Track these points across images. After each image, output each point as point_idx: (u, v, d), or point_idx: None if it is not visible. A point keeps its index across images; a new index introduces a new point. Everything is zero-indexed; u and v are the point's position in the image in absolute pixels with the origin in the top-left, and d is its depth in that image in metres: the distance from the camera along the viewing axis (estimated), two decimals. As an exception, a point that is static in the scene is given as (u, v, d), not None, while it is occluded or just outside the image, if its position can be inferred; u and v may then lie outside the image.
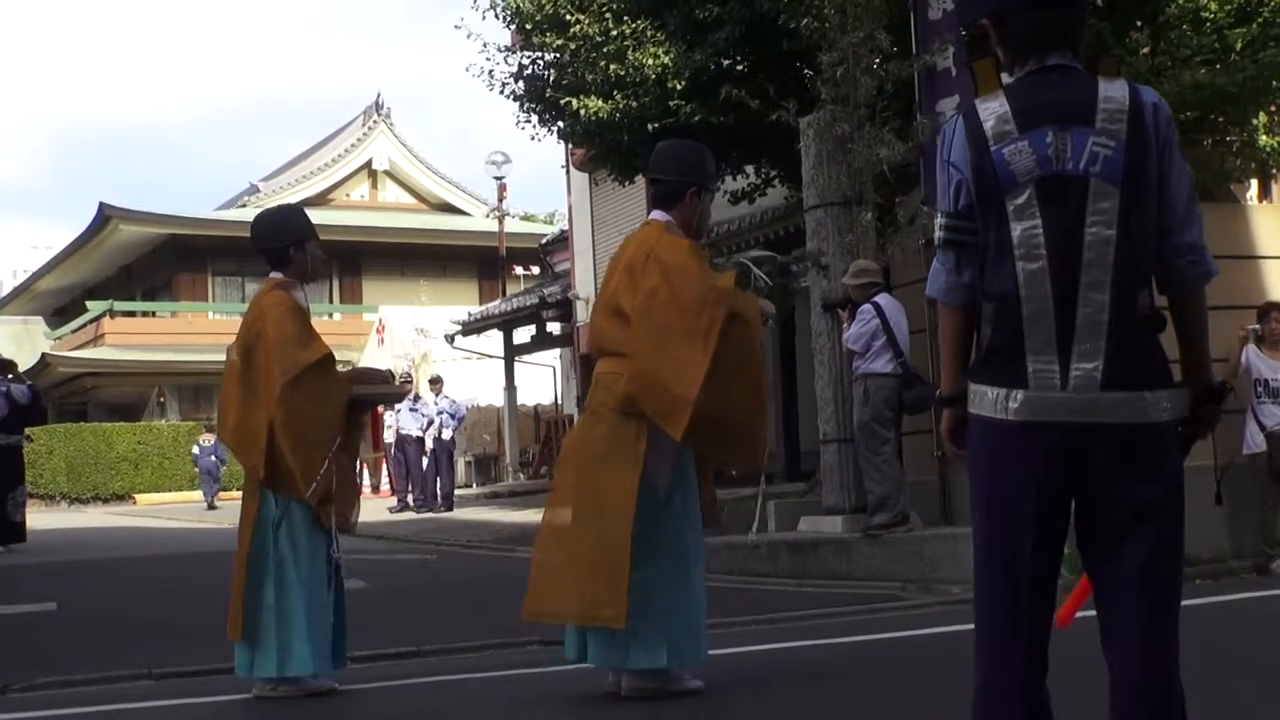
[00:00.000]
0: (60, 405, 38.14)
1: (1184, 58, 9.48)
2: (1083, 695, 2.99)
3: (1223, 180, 9.95)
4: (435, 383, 20.13)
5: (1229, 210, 9.77)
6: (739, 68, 11.78)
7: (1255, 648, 5.89)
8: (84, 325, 39.44)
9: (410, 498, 19.61)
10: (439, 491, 19.52)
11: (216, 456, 27.04)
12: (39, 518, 20.53)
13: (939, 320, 2.85)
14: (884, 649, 6.12)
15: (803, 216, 10.17)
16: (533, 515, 14.21)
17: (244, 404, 5.40)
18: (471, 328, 25.39)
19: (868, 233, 9.37)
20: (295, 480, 5.25)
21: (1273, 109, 10.03)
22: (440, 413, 19.51)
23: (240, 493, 5.87)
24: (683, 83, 11.60)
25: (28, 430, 16.04)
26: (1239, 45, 9.47)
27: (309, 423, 5.28)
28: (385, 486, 23.03)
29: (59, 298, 45.59)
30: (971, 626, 2.72)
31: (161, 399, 37.28)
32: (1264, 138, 9.95)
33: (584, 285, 21.98)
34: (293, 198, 36.40)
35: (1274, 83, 9.36)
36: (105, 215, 37.12)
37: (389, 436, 20.05)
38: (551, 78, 13.37)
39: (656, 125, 11.62)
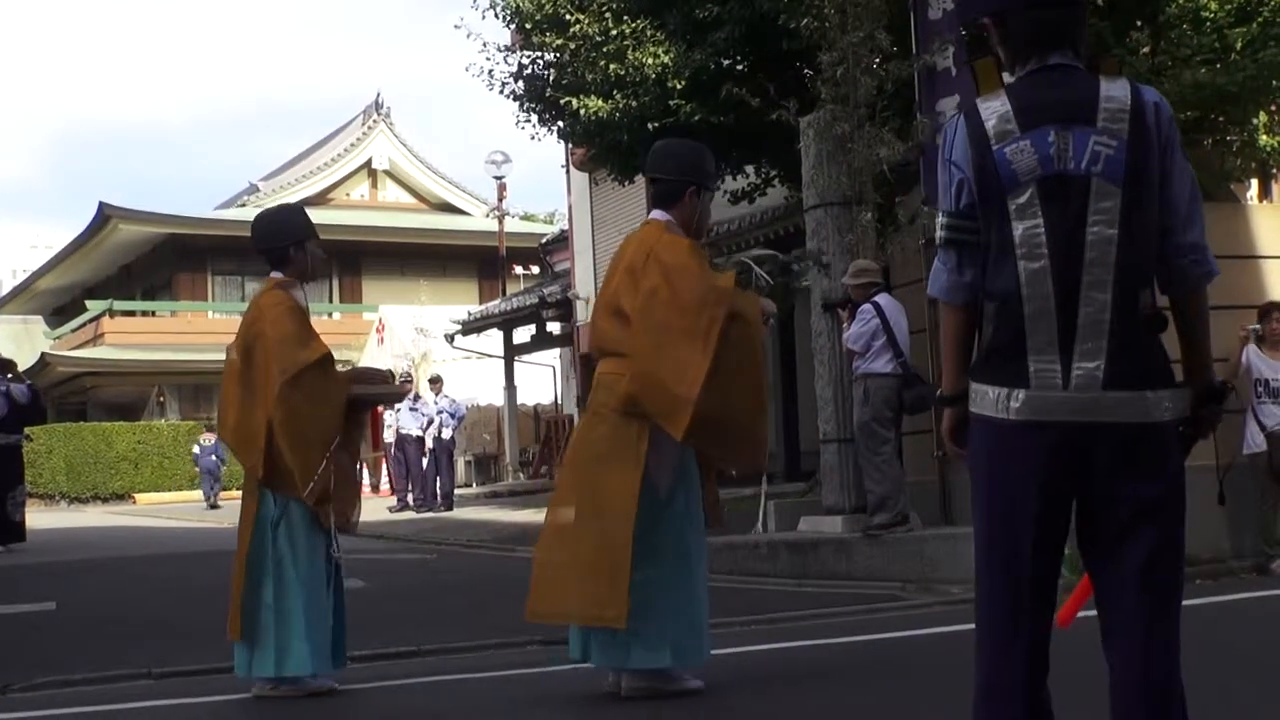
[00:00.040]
0: (60, 405, 38.14)
1: (1184, 57, 9.47)
2: (1083, 695, 2.99)
3: (1223, 180, 9.94)
4: (435, 382, 20.12)
5: (1229, 210, 9.76)
6: (739, 67, 11.77)
7: (1255, 648, 5.88)
8: (83, 325, 39.46)
9: (410, 497, 19.61)
10: (439, 491, 19.52)
11: (217, 456, 27.07)
12: (38, 517, 20.53)
13: (940, 320, 2.85)
14: (884, 649, 6.11)
15: (803, 216, 10.17)
16: (533, 515, 14.23)
17: (243, 403, 5.41)
18: (471, 327, 25.39)
19: (868, 232, 9.37)
20: (294, 479, 5.26)
21: (1273, 108, 10.02)
22: (440, 412, 19.51)
23: (241, 492, 5.87)
24: (683, 82, 11.59)
25: (27, 430, 16.01)
26: (1239, 45, 9.47)
27: (308, 422, 5.29)
28: (385, 486, 23.05)
29: (59, 297, 45.60)
30: (972, 626, 2.72)
31: (161, 398, 37.28)
32: (1264, 137, 9.94)
33: (584, 285, 21.99)
34: (293, 197, 36.41)
35: (1274, 82, 9.36)
36: (105, 215, 37.15)
37: (389, 436, 20.09)
38: (551, 77, 13.36)
39: (656, 125, 11.61)
